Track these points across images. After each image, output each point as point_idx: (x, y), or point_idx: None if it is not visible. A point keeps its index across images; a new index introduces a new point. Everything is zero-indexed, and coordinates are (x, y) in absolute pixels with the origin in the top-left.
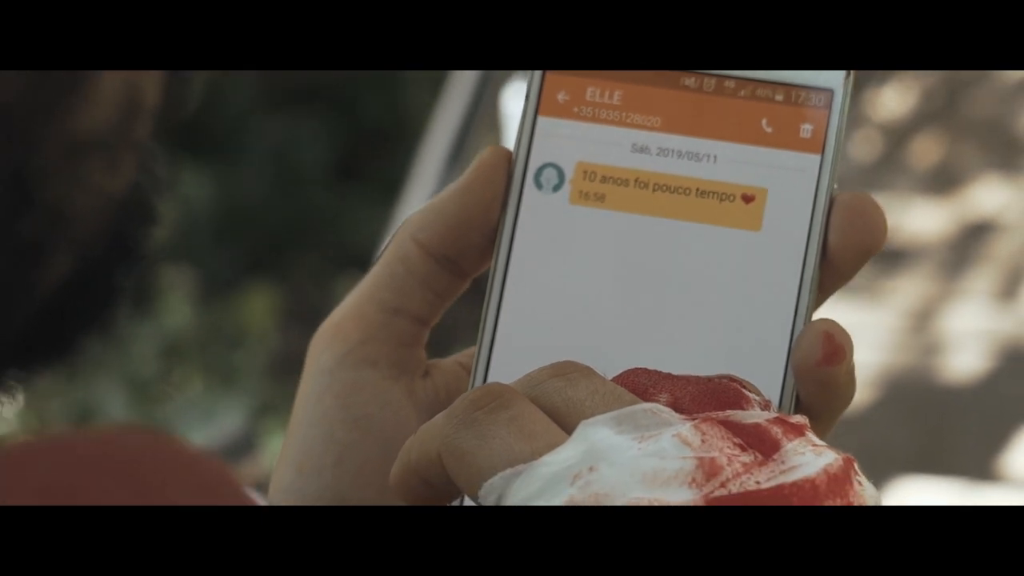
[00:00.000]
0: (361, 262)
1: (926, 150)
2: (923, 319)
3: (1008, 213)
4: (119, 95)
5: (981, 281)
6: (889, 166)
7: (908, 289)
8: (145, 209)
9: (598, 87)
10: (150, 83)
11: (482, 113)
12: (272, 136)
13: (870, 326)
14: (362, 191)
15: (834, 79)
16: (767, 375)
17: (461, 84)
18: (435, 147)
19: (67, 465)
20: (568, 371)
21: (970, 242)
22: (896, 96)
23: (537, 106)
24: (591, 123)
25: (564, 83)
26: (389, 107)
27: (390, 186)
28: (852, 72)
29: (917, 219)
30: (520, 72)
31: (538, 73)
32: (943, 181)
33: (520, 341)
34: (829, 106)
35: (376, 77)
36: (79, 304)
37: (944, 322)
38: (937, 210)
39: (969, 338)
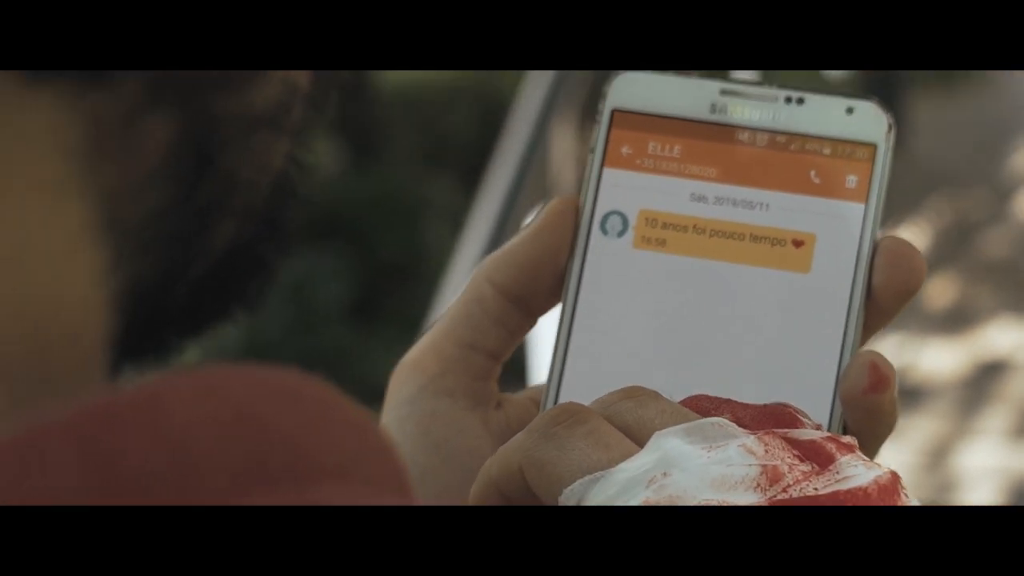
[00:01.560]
0: (380, 399)
1: (940, 291)
2: (938, 457)
3: (1022, 353)
4: (283, 77)
5: (995, 420)
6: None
7: (923, 427)
8: (293, 191)
9: (659, 141)
10: (302, 71)
11: None
12: (291, 272)
13: (886, 463)
14: (381, 329)
15: (877, 134)
16: (817, 404)
17: (480, 223)
18: (455, 286)
19: (256, 390)
20: (637, 394)
21: (984, 382)
22: (910, 237)
23: (603, 159)
24: (653, 174)
25: (628, 138)
26: (407, 243)
27: (409, 324)
28: (893, 128)
29: (932, 359)
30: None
31: (604, 128)
32: (957, 321)
33: (586, 375)
34: (872, 159)
35: (394, 212)
36: (234, 274)
37: (959, 460)
38: (951, 350)
39: (983, 476)
